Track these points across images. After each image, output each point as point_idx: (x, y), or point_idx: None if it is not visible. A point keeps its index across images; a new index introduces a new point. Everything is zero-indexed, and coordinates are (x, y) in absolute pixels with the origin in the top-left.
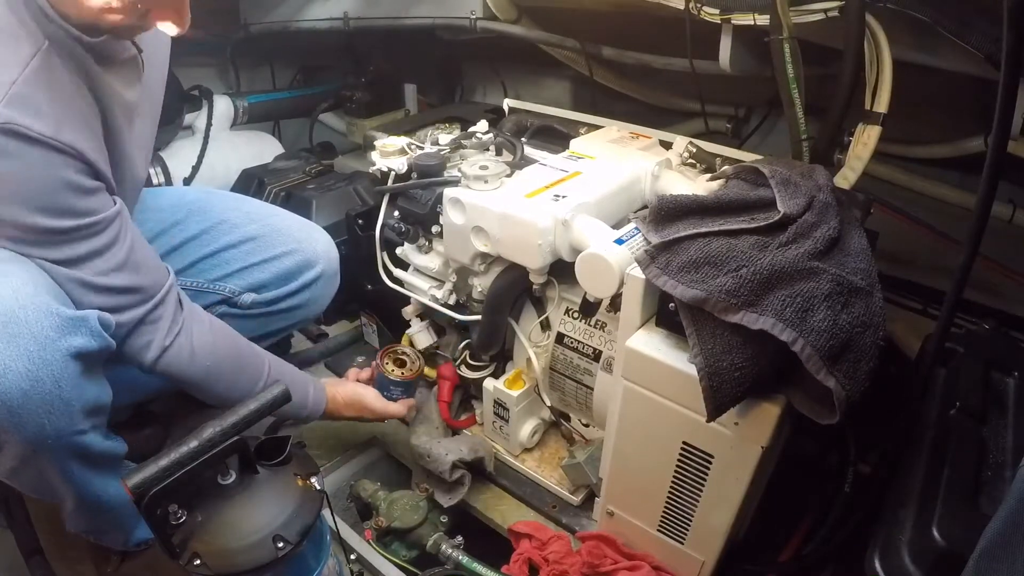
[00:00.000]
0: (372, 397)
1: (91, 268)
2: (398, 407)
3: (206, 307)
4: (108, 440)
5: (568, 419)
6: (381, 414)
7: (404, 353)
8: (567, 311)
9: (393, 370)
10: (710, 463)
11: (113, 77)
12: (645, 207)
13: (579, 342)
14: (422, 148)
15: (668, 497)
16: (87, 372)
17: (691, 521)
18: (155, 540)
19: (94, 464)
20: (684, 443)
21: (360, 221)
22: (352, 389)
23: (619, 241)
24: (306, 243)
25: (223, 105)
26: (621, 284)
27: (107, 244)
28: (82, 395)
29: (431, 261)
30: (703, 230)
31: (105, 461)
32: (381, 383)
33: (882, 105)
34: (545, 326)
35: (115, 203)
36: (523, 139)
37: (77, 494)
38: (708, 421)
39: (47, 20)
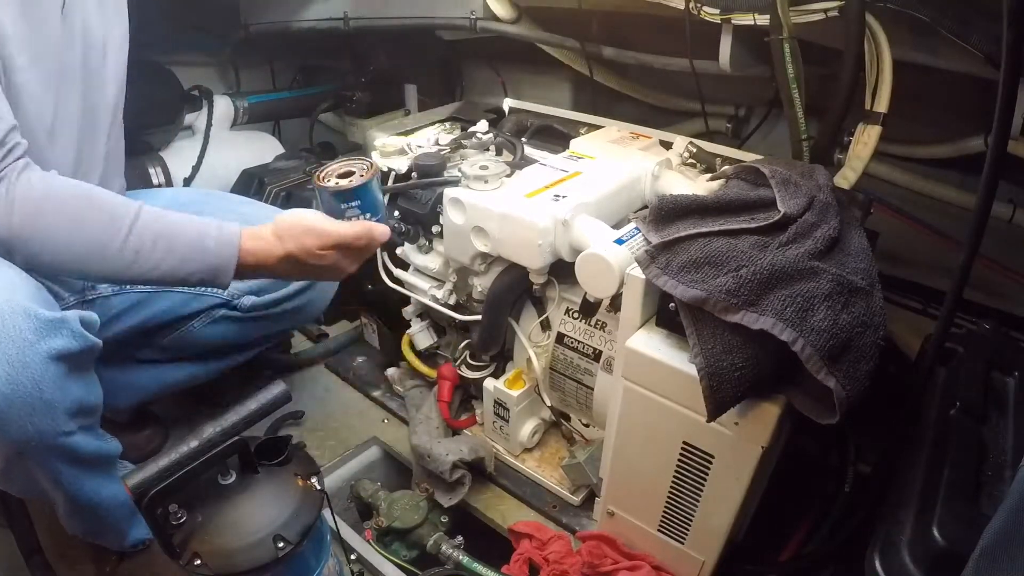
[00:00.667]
0: (316, 216)
1: None
2: (353, 226)
3: (204, 310)
4: (99, 441)
5: (568, 419)
6: (332, 236)
7: (348, 163)
8: (567, 311)
9: (337, 182)
10: (710, 463)
11: None
12: (645, 207)
13: (579, 342)
14: (422, 148)
15: (668, 497)
16: (71, 373)
17: (691, 521)
18: (154, 540)
19: (84, 465)
20: (684, 443)
21: None
22: (290, 214)
23: (619, 241)
24: None
25: (223, 105)
26: (621, 284)
27: None
28: (65, 396)
29: (431, 261)
30: (703, 230)
31: (96, 462)
32: (329, 207)
33: (882, 105)
34: (545, 326)
35: None
36: (523, 139)
37: (68, 496)
38: (708, 421)
39: None
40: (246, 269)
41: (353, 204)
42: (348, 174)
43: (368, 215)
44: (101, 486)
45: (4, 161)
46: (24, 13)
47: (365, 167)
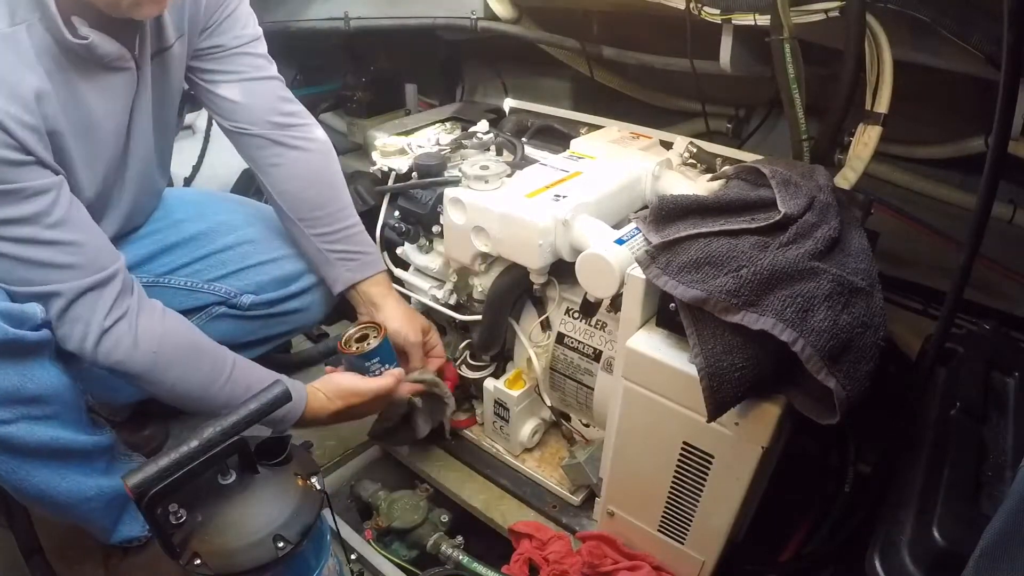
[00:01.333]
0: (353, 379)
1: (12, 232)
2: (385, 379)
3: (203, 308)
4: (61, 432)
5: (568, 419)
6: (370, 392)
7: (361, 328)
8: (567, 311)
9: (358, 347)
10: (710, 463)
11: (87, 84)
12: (645, 207)
13: (579, 342)
14: (422, 148)
15: (668, 497)
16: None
17: (691, 521)
18: (153, 539)
19: (26, 456)
20: (684, 443)
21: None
22: (330, 379)
23: (619, 241)
24: None
25: None
26: (621, 284)
27: (36, 213)
28: None
29: (431, 261)
30: (704, 230)
31: (50, 454)
32: (355, 367)
33: (882, 105)
34: (545, 326)
35: (52, 175)
36: (523, 139)
37: (11, 486)
38: (708, 421)
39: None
40: (302, 422)
41: (375, 360)
42: (364, 337)
43: (387, 366)
44: (58, 479)
45: (127, 298)
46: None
47: (376, 330)
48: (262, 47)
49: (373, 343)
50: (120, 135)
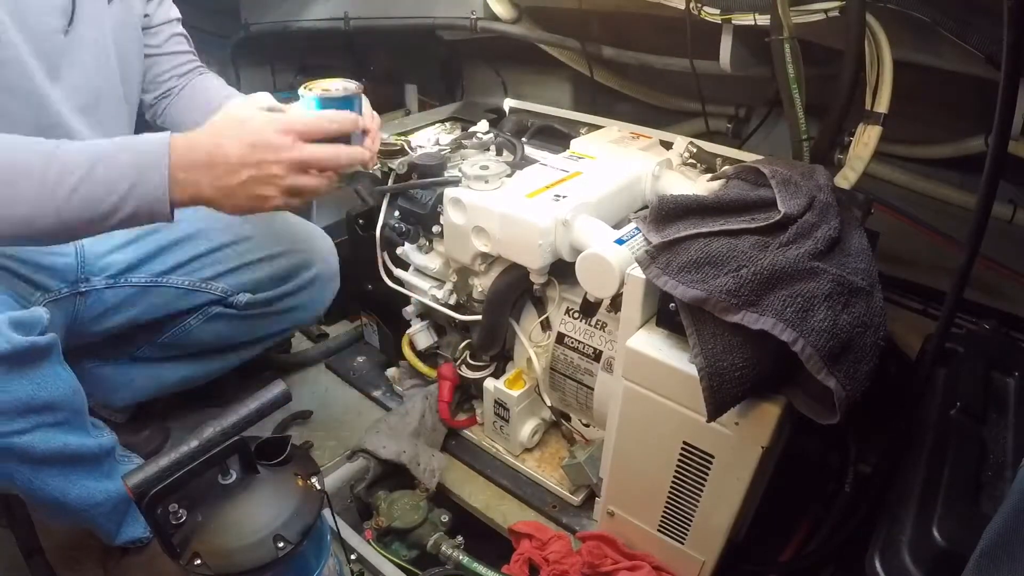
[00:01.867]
0: (286, 118)
1: None
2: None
3: (199, 307)
4: (71, 436)
5: (568, 419)
6: (289, 122)
7: (340, 81)
8: (567, 311)
9: (326, 89)
10: (710, 463)
11: None
12: (646, 207)
13: (579, 342)
14: (422, 148)
15: (668, 497)
16: (8, 373)
17: (691, 521)
18: (153, 539)
19: (42, 464)
20: (684, 443)
21: (360, 221)
22: (233, 114)
23: (619, 241)
24: (303, 244)
25: None
26: (621, 284)
27: None
28: (8, 396)
29: (431, 261)
30: (704, 230)
31: (58, 460)
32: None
33: (882, 105)
34: (545, 326)
35: None
36: (523, 139)
37: (26, 494)
38: (708, 421)
39: None
40: (180, 172)
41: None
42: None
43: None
44: (70, 485)
45: None
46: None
47: (354, 85)
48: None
49: (345, 91)
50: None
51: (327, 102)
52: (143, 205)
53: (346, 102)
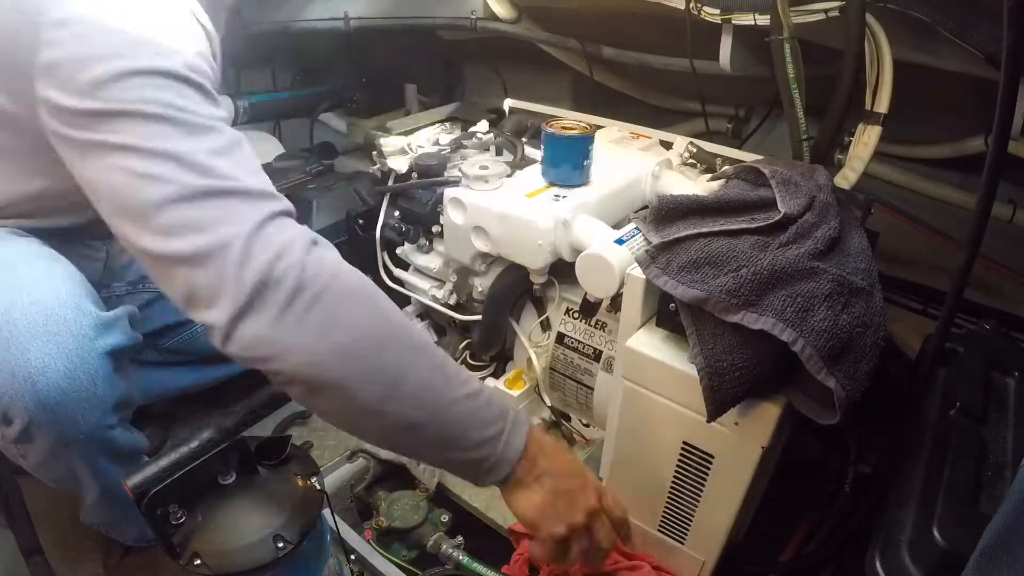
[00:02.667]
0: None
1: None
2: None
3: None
4: (131, 434)
5: (568, 419)
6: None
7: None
8: (567, 311)
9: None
10: (710, 463)
11: None
12: (645, 207)
13: (579, 342)
14: (422, 148)
15: (668, 497)
16: (119, 370)
17: (691, 521)
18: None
19: (120, 458)
20: (684, 443)
21: (360, 221)
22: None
23: (619, 241)
24: None
25: (223, 105)
26: (621, 284)
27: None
28: (114, 391)
29: (431, 261)
30: (703, 230)
31: (129, 455)
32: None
33: (882, 105)
34: (545, 326)
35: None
36: (524, 139)
37: (103, 488)
38: (708, 421)
39: None
40: (528, 463)
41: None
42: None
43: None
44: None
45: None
46: None
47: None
48: None
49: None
50: None
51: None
52: (500, 458)
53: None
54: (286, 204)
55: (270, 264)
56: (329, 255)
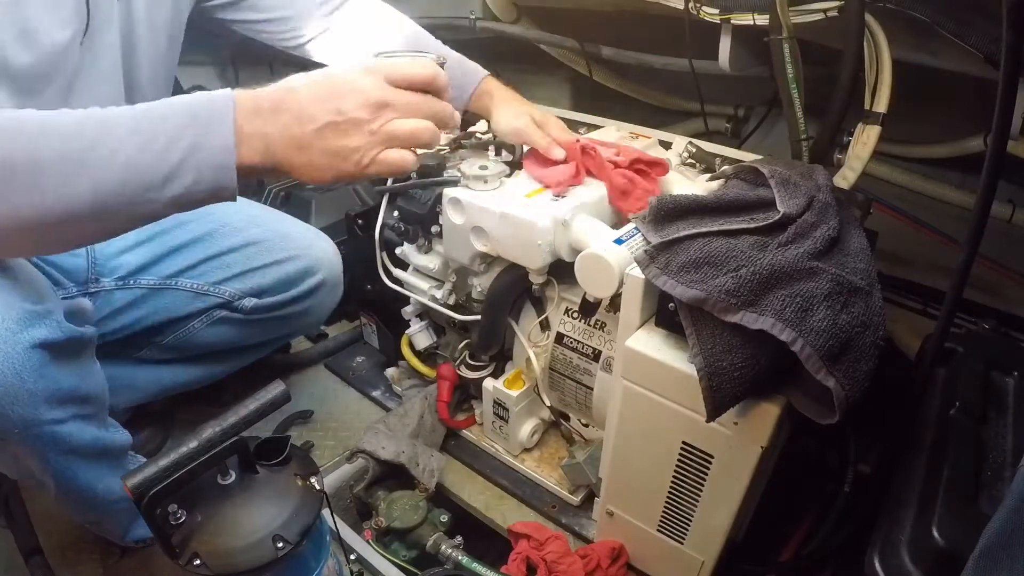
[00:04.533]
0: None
1: None
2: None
3: (204, 310)
4: (100, 431)
5: (568, 419)
6: (379, 69)
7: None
8: (567, 311)
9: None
10: (710, 463)
11: None
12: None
13: (579, 342)
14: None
15: (668, 497)
16: (56, 361)
17: (691, 521)
18: (154, 540)
19: (78, 455)
20: (684, 443)
21: (359, 221)
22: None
23: (619, 241)
24: (310, 250)
25: None
26: (621, 284)
27: None
28: (49, 385)
29: (430, 261)
30: (703, 230)
31: (92, 453)
32: None
33: (882, 105)
34: (545, 326)
35: None
36: None
37: (58, 483)
38: (708, 421)
39: None
40: (246, 123)
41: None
42: None
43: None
44: (98, 478)
45: None
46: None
47: (433, 55)
48: None
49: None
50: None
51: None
52: (205, 168)
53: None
54: None
55: None
56: None
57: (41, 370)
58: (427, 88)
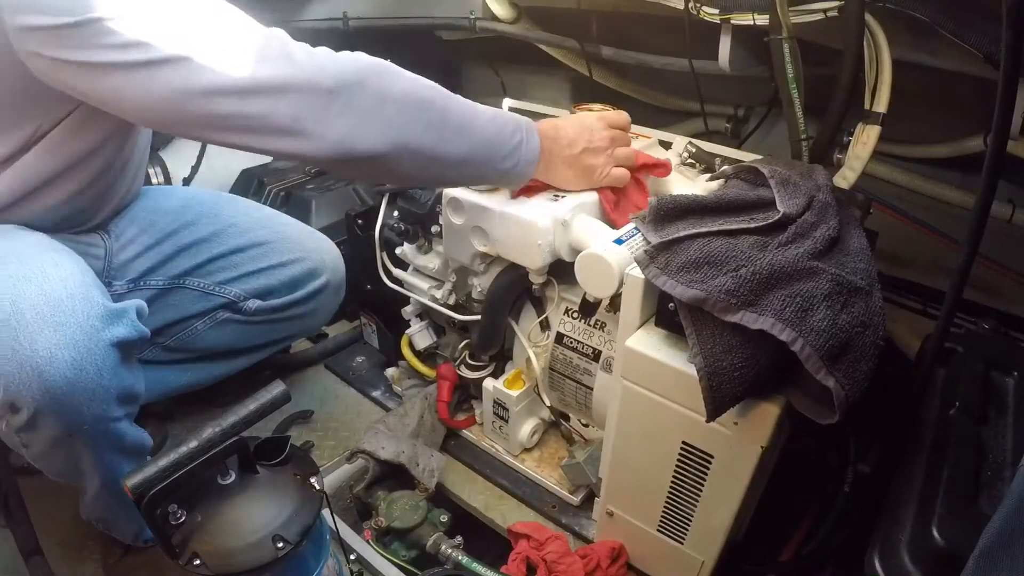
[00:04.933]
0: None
1: None
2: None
3: (209, 311)
4: (138, 430)
5: (568, 419)
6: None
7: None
8: (567, 311)
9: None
10: (710, 463)
11: None
12: None
13: (578, 342)
14: None
15: (668, 497)
16: (125, 361)
17: (691, 521)
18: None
19: (125, 452)
20: (684, 443)
21: (359, 221)
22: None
23: (618, 241)
24: (314, 252)
25: None
26: (620, 284)
27: None
28: (120, 383)
29: (430, 261)
30: (703, 230)
31: (135, 450)
32: None
33: (882, 105)
34: (544, 326)
35: None
36: None
37: (105, 481)
38: (708, 421)
39: None
40: (545, 155)
41: None
42: None
43: None
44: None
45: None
46: None
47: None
48: None
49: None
50: None
51: None
52: (523, 159)
53: None
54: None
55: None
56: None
57: (116, 368)
58: (625, 129)
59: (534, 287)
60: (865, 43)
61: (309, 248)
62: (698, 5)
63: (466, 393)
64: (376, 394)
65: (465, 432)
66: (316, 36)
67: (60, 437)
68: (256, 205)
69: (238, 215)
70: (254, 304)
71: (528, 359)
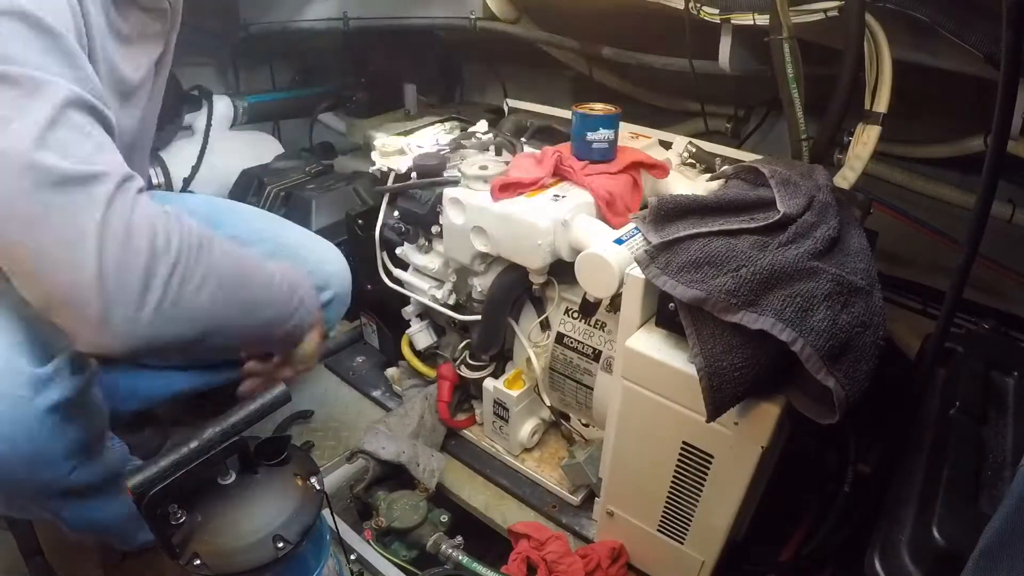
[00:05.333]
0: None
1: None
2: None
3: None
4: (101, 459)
5: (568, 419)
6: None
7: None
8: (567, 311)
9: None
10: (710, 463)
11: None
12: (645, 207)
13: (579, 342)
14: (422, 148)
15: (668, 497)
16: (68, 416)
17: (691, 521)
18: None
19: (84, 495)
20: (684, 443)
21: (360, 221)
22: None
23: (619, 241)
24: (318, 265)
25: (223, 105)
26: (621, 284)
27: None
28: (62, 443)
29: (431, 261)
30: (703, 230)
31: (96, 487)
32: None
33: (882, 105)
34: (545, 326)
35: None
36: (523, 139)
37: (67, 523)
38: (708, 421)
39: None
40: None
41: (599, 131)
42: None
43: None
44: (102, 506)
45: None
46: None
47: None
48: None
49: (611, 109)
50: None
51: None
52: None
53: (608, 119)
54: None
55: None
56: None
57: (55, 430)
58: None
59: (534, 287)
60: (865, 43)
61: (312, 262)
62: (698, 5)
63: (466, 393)
64: (376, 394)
65: (465, 432)
66: (316, 36)
67: (8, 503)
68: (257, 213)
69: (238, 227)
70: None
71: (528, 359)
